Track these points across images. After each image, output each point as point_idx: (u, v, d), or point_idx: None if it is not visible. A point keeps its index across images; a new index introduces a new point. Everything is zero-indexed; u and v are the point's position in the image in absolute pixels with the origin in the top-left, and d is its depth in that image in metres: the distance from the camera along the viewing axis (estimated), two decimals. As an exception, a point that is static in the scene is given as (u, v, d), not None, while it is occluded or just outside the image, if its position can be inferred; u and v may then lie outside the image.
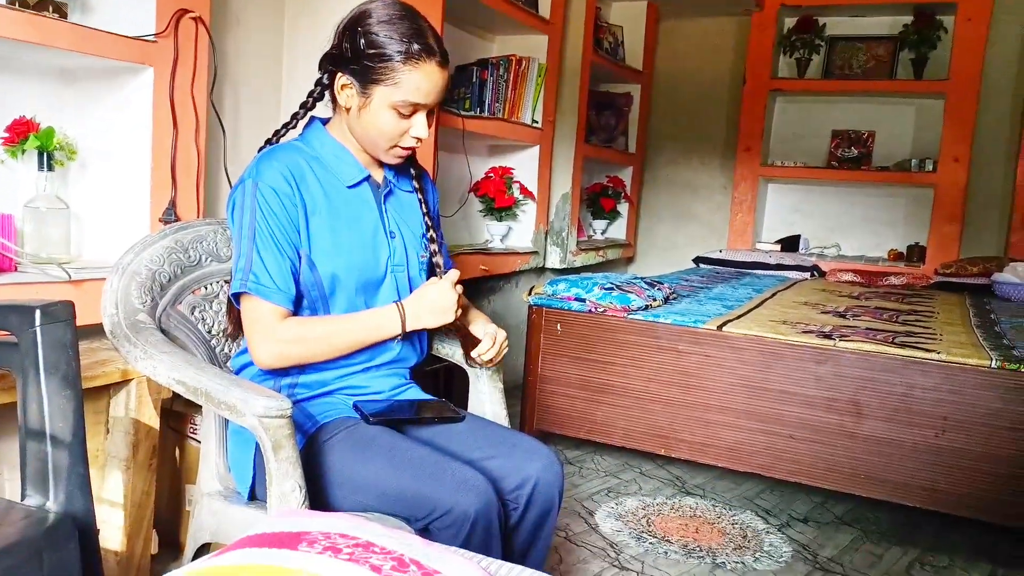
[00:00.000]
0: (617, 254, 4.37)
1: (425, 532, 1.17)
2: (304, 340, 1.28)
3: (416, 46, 1.27)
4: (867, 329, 2.44)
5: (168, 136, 1.78)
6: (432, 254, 1.47)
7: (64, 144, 1.73)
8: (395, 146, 1.34)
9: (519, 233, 3.46)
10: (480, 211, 3.34)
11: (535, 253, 3.48)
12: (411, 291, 1.42)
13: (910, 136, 4.36)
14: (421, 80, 1.28)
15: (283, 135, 1.46)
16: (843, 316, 2.70)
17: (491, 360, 1.45)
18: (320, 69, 1.37)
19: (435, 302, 1.34)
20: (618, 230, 4.54)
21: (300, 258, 1.31)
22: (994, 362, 2.08)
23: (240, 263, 1.27)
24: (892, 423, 2.18)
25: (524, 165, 3.45)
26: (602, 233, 4.43)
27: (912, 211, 4.34)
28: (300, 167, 1.33)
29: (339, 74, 1.32)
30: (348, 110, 1.34)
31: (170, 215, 1.79)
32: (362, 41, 1.28)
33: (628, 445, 2.54)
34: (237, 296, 1.29)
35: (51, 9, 1.59)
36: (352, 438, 1.26)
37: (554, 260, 3.67)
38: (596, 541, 2.13)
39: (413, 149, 1.38)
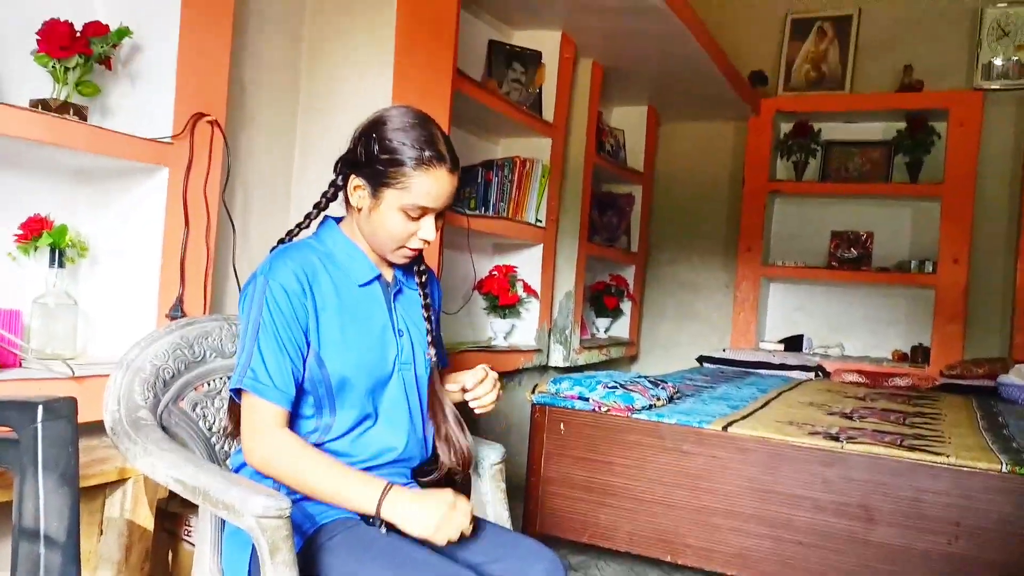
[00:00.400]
0: (620, 352, 4.36)
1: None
2: (284, 466, 1.25)
3: (428, 153, 1.31)
4: (875, 431, 2.41)
5: (179, 234, 1.82)
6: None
7: (76, 241, 1.77)
8: (402, 247, 1.37)
9: (522, 331, 3.47)
10: (484, 308, 3.36)
11: (538, 351, 3.48)
12: (417, 390, 1.43)
13: (908, 237, 4.42)
14: (431, 185, 1.32)
15: (296, 234, 1.49)
16: (850, 417, 2.67)
17: (492, 402, 1.45)
18: (335, 171, 1.42)
19: (437, 520, 1.24)
20: (621, 328, 4.55)
21: (304, 358, 1.31)
22: (1005, 466, 2.04)
23: (242, 358, 1.28)
24: (903, 529, 2.12)
25: (528, 263, 3.49)
26: (605, 331, 4.44)
27: (914, 311, 4.36)
28: (313, 265, 1.36)
29: (353, 176, 1.37)
30: (359, 210, 1.38)
31: (176, 311, 1.80)
32: (376, 146, 1.32)
33: (632, 550, 2.47)
34: (236, 391, 1.29)
35: (72, 112, 1.65)
36: (351, 539, 1.23)
37: (557, 358, 3.66)
38: (601, 652, 2.04)
39: (420, 250, 1.40)
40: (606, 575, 2.59)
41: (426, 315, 1.49)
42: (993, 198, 4.16)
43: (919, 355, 4.16)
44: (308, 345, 1.32)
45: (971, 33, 4.25)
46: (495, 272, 3.33)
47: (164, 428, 1.28)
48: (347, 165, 1.38)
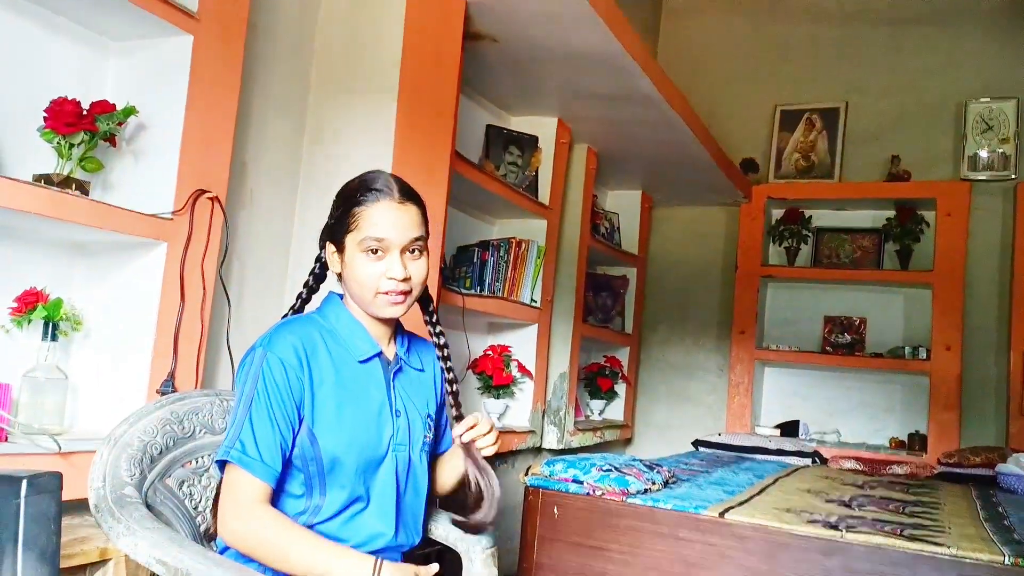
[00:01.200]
0: (615, 435, 4.31)
1: None
2: (265, 541, 1.22)
3: (369, 189, 1.36)
4: (874, 520, 2.37)
5: (175, 308, 1.82)
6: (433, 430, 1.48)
7: (70, 315, 1.76)
8: (377, 293, 1.35)
9: (516, 412, 3.44)
10: (478, 388, 3.33)
11: (532, 432, 3.44)
12: (409, 472, 1.41)
13: (901, 323, 4.45)
14: (378, 215, 1.34)
15: (298, 309, 1.50)
16: (848, 506, 2.62)
17: (493, 442, 1.41)
18: (320, 241, 1.47)
19: None
20: (616, 411, 4.51)
21: (296, 433, 1.29)
22: (1007, 558, 1.99)
23: (231, 430, 1.27)
24: (907, 623, 2.06)
25: (522, 343, 3.48)
26: (599, 413, 4.40)
27: (909, 397, 4.34)
28: (313, 340, 1.35)
29: (327, 245, 1.42)
30: (340, 275, 1.41)
31: (167, 387, 1.78)
32: (338, 204, 1.40)
33: (628, 642, 2.38)
34: (221, 464, 1.27)
35: (74, 187, 1.67)
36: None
37: (551, 440, 3.61)
38: None
39: (401, 293, 1.37)
40: (600, 669, 2.49)
41: (450, 390, 1.51)
42: (983, 287, 4.20)
43: (916, 443, 4.13)
44: (301, 421, 1.31)
45: (956, 126, 4.37)
46: (489, 352, 3.32)
47: (149, 506, 1.25)
48: (321, 238, 1.45)
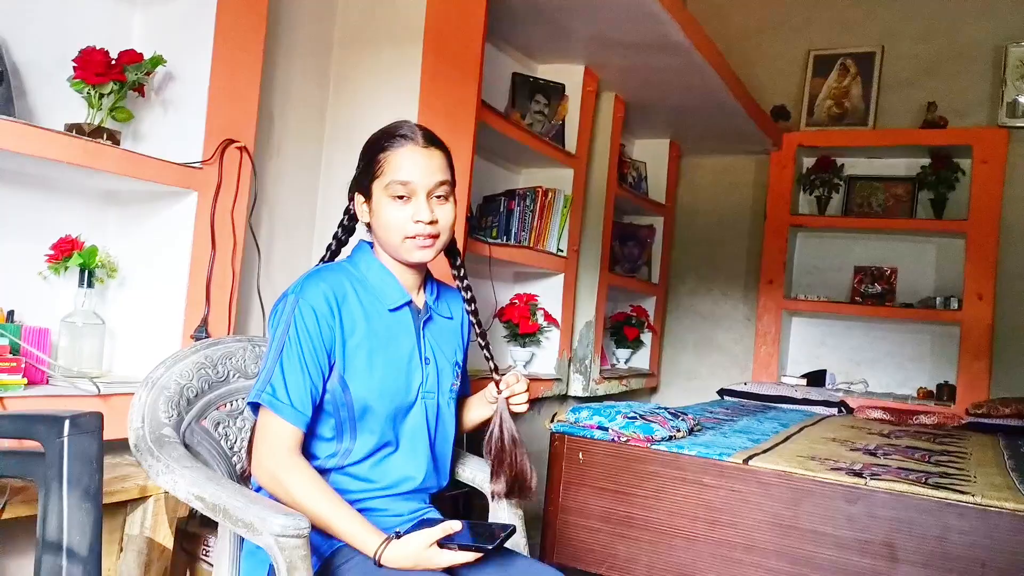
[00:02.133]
0: (640, 384, 4.34)
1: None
2: (290, 490, 1.24)
3: (392, 135, 1.39)
4: (899, 468, 2.38)
5: (206, 257, 1.85)
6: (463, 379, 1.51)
7: (105, 262, 1.80)
8: (405, 238, 1.37)
9: (542, 360, 3.47)
10: (504, 337, 3.36)
11: (558, 380, 3.47)
12: (438, 419, 1.44)
13: (932, 273, 4.38)
14: (401, 159, 1.36)
15: (327, 259, 1.52)
16: (873, 454, 2.63)
17: (526, 401, 1.45)
18: (349, 194, 1.48)
19: (424, 567, 1.24)
20: (641, 360, 4.53)
21: (326, 380, 1.32)
22: (1033, 505, 2.00)
23: (263, 374, 1.30)
24: (928, 568, 2.08)
25: (549, 293, 3.50)
26: (625, 362, 4.42)
27: (939, 347, 4.30)
28: (344, 288, 1.37)
29: (355, 195, 1.44)
30: (369, 225, 1.42)
31: (201, 332, 1.82)
32: (363, 154, 1.43)
33: (651, 583, 2.44)
34: (254, 406, 1.31)
35: (105, 136, 1.69)
36: (368, 563, 1.23)
37: (577, 388, 3.65)
38: None
39: (432, 237, 1.38)
40: (623, 609, 2.55)
41: (482, 343, 1.52)
42: (1018, 235, 4.12)
43: (944, 393, 4.10)
44: (332, 367, 1.33)
45: (995, 71, 4.24)
46: (516, 300, 3.34)
47: (186, 446, 1.29)
48: (350, 190, 1.46)
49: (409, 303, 1.44)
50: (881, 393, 4.29)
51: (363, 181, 1.40)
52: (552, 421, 2.68)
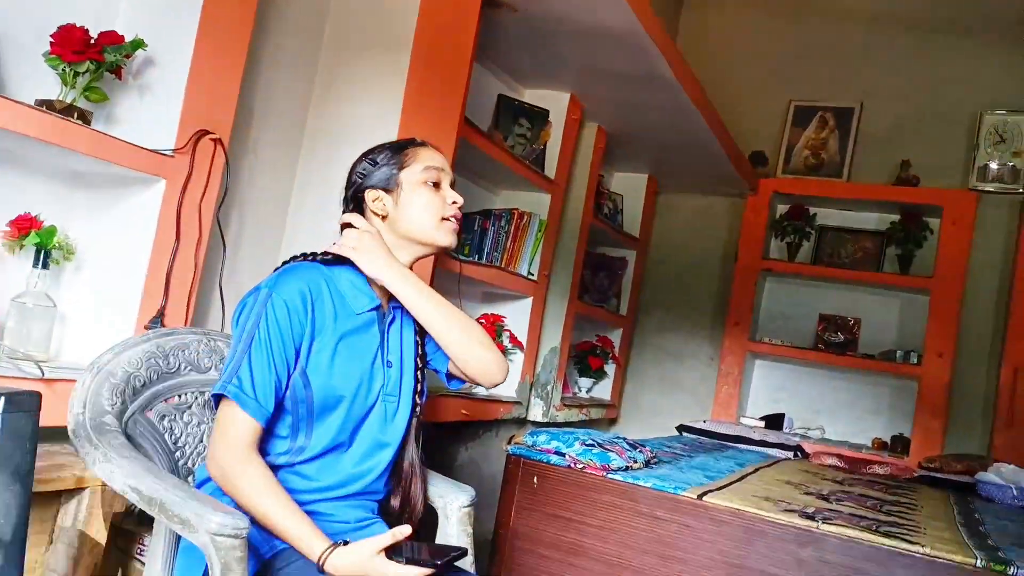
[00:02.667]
0: (600, 414, 4.32)
1: None
2: (242, 487, 1.22)
3: (410, 140, 1.51)
4: (851, 515, 2.38)
5: (169, 247, 1.80)
6: (417, 395, 1.47)
7: (63, 244, 1.75)
8: (443, 219, 1.44)
9: (505, 382, 3.43)
10: (467, 356, 3.33)
11: (518, 403, 3.44)
12: (395, 423, 1.42)
13: (895, 326, 4.44)
14: (430, 155, 1.48)
15: (312, 257, 1.48)
16: (826, 499, 2.64)
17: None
18: (344, 209, 1.51)
19: (364, 574, 1.19)
20: (603, 390, 4.52)
21: (289, 375, 1.31)
22: (980, 561, 2.00)
23: (230, 365, 1.28)
24: (874, 618, 2.07)
25: (516, 315, 3.48)
26: (587, 391, 4.41)
27: (897, 401, 4.35)
28: (319, 287, 1.37)
29: (366, 193, 1.45)
30: (385, 218, 1.44)
31: (156, 324, 1.77)
32: (377, 156, 1.48)
33: (597, 616, 2.40)
34: (217, 398, 1.28)
35: (76, 115, 1.65)
36: (309, 569, 1.19)
37: (537, 413, 3.62)
38: None
39: (460, 221, 1.49)
40: (566, 641, 2.51)
41: (419, 364, 1.49)
42: (980, 298, 4.19)
43: (899, 445, 4.14)
44: (296, 363, 1.32)
45: (969, 136, 4.34)
46: (482, 320, 3.31)
47: (128, 437, 1.25)
48: (355, 194, 1.48)
49: (377, 307, 1.44)
50: (837, 440, 4.31)
51: (384, 176, 1.45)
52: (509, 443, 2.65)
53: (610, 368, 4.48)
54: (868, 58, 4.59)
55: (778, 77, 4.76)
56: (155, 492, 1.09)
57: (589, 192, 3.82)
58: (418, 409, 1.47)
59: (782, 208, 4.68)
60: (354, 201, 1.49)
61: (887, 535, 2.14)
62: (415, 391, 1.47)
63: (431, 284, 2.72)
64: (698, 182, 4.66)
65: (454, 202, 1.46)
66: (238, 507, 1.25)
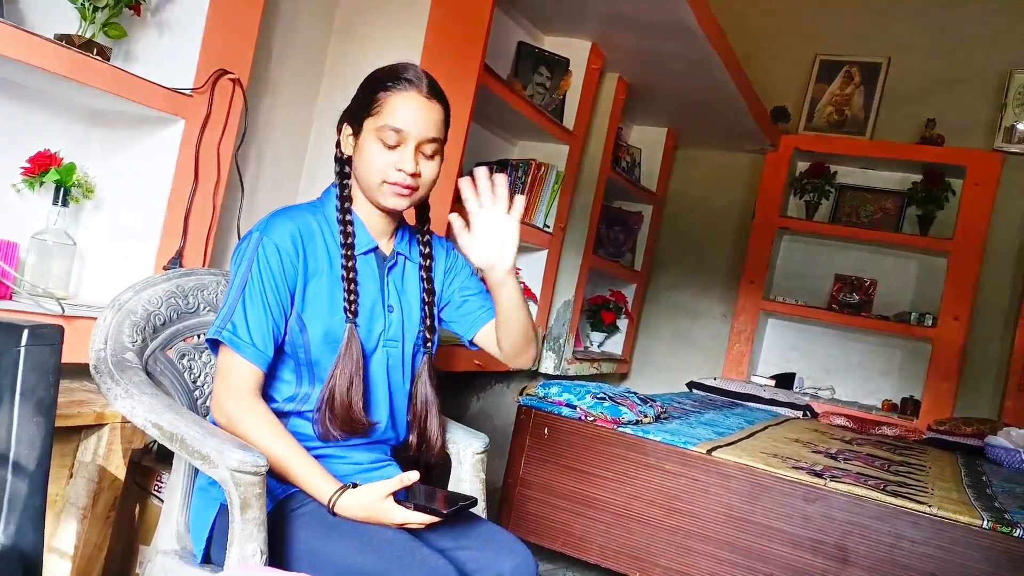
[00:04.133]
0: (612, 368, 4.34)
1: (386, 620, 1.11)
2: (248, 433, 1.21)
3: (398, 77, 1.33)
4: (858, 474, 2.39)
5: (187, 188, 1.80)
6: (427, 341, 1.44)
7: (83, 182, 1.75)
8: (384, 182, 1.32)
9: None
10: (481, 306, 3.33)
11: (530, 355, 3.45)
12: (402, 368, 1.40)
13: (912, 288, 4.41)
14: (401, 105, 1.31)
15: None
16: (835, 458, 2.65)
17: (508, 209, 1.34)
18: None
19: (376, 521, 1.21)
20: (615, 345, 4.53)
21: (287, 319, 1.29)
22: (985, 522, 2.02)
23: (223, 310, 1.26)
24: (877, 574, 2.10)
25: (530, 267, 3.47)
26: (599, 346, 4.42)
27: (908, 363, 4.34)
28: (311, 228, 1.33)
29: (344, 126, 1.39)
30: (349, 161, 1.38)
31: (175, 265, 1.78)
32: (365, 88, 1.37)
33: (602, 563, 2.44)
34: (213, 343, 1.27)
35: (95, 51, 1.63)
36: (322, 511, 1.21)
37: (548, 366, 3.64)
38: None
39: (411, 189, 1.33)
40: (572, 587, 2.56)
41: (427, 299, 1.44)
42: (1000, 261, 4.15)
43: (909, 407, 4.14)
44: (293, 307, 1.30)
45: (997, 96, 4.25)
46: (497, 272, 3.30)
47: (149, 374, 1.26)
48: (340, 120, 1.42)
49: (375, 249, 1.40)
50: (847, 401, 4.32)
51: (357, 115, 1.36)
52: (521, 394, 2.67)
53: (623, 323, 4.49)
54: (897, 12, 4.47)
55: (804, 29, 4.66)
56: (176, 428, 1.11)
57: (607, 144, 3.77)
58: (430, 345, 1.44)
59: (802, 165, 4.62)
60: (339, 125, 1.42)
61: (894, 494, 2.16)
62: (424, 331, 1.43)
63: (446, 236, 2.72)
64: (718, 137, 4.59)
65: (400, 169, 1.31)
66: (289, 428, 1.27)
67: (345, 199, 1.38)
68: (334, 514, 1.20)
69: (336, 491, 1.20)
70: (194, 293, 1.38)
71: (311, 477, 1.22)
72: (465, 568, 1.22)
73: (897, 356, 4.40)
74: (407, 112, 1.31)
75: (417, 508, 1.19)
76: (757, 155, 4.64)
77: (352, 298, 1.32)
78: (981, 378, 4.11)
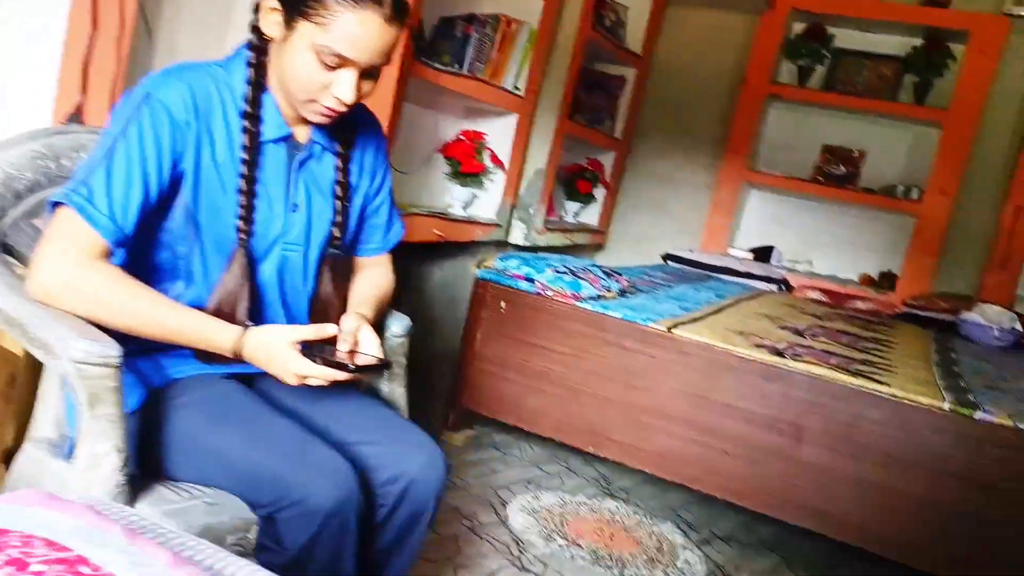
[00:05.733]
0: (586, 239, 4.22)
1: (270, 521, 1.03)
2: (100, 294, 1.01)
3: None
4: (823, 351, 2.32)
5: (84, 37, 1.60)
6: (334, 247, 1.27)
7: (-35, 26, 1.55)
8: (311, 101, 1.13)
9: (484, 203, 3.30)
10: (445, 174, 3.17)
11: (498, 226, 3.32)
12: (304, 272, 1.24)
13: (902, 161, 4.24)
14: (354, 27, 1.06)
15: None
16: (801, 335, 2.58)
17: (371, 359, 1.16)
18: None
19: (276, 369, 1.09)
20: (591, 215, 4.39)
21: (159, 199, 1.10)
22: (947, 403, 1.96)
23: (80, 171, 1.06)
24: (832, 452, 2.06)
25: (499, 133, 3.28)
26: (574, 216, 4.28)
27: (891, 237, 4.23)
28: (210, 96, 1.12)
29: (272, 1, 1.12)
30: (271, 41, 1.14)
31: (73, 122, 1.61)
32: None
33: (556, 437, 2.41)
34: (55, 206, 1.04)
35: None
36: (208, 401, 1.10)
37: (517, 236, 3.51)
38: (502, 535, 2.00)
39: (337, 113, 1.15)
40: (527, 456, 2.54)
41: (339, 193, 1.26)
42: (995, 135, 3.95)
43: (886, 282, 4.06)
44: (171, 187, 1.11)
45: (1012, -48, 3.92)
46: (462, 136, 3.12)
47: (8, 247, 1.12)
48: None
49: (287, 137, 1.20)
50: (824, 275, 4.23)
51: (296, 4, 1.08)
52: (478, 267, 2.56)
53: (599, 193, 4.32)
54: None
55: None
56: (16, 312, 0.97)
57: (588, 0, 3.49)
58: (338, 243, 1.28)
59: (798, 28, 4.33)
60: None
61: (856, 373, 2.09)
62: (331, 228, 1.27)
63: (402, 97, 2.52)
64: (711, -5, 4.27)
65: (338, 97, 1.11)
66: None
67: (257, 86, 1.16)
68: (241, 361, 1.08)
69: (242, 331, 1.07)
70: (68, 155, 1.22)
71: (200, 327, 1.05)
72: (366, 464, 1.13)
73: (881, 230, 4.27)
74: (359, 36, 1.07)
75: (325, 363, 1.07)
76: (752, 16, 4.34)
77: (246, 215, 1.14)
78: (964, 254, 4.00)
